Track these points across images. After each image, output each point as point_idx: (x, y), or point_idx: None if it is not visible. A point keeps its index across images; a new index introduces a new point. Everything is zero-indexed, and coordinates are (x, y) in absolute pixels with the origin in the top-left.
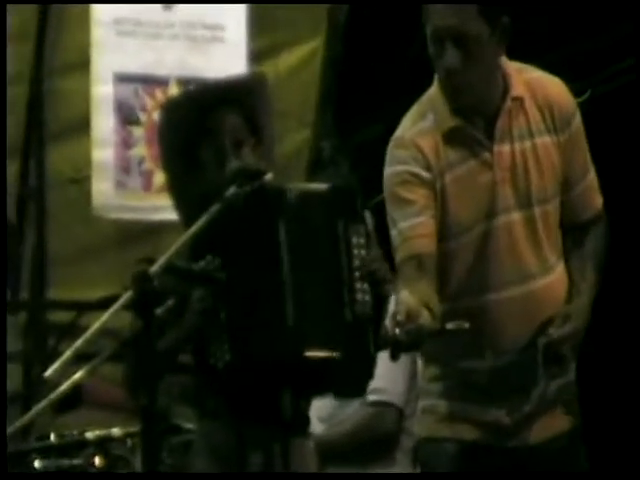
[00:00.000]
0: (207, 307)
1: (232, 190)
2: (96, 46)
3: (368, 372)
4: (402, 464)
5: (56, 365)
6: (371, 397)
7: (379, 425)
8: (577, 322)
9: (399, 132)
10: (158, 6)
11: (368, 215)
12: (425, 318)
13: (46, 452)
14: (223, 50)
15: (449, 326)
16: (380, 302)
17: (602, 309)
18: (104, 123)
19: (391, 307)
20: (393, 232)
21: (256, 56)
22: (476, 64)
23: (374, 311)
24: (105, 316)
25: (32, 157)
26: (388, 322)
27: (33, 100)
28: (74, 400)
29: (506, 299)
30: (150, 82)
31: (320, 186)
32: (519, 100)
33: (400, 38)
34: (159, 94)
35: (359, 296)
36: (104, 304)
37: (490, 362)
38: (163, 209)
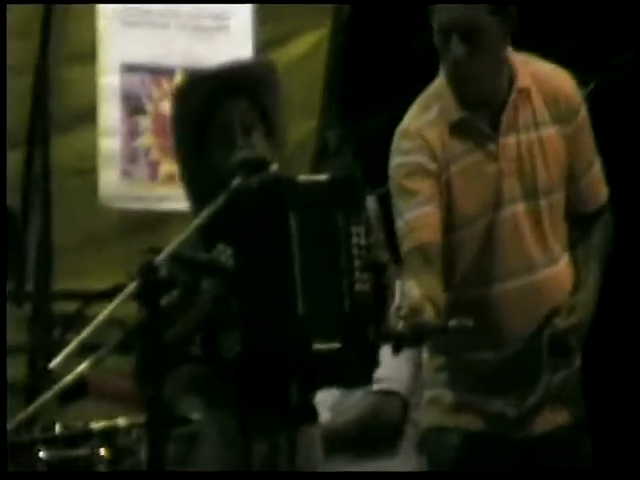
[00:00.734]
0: (218, 296)
1: (238, 180)
2: (102, 36)
3: (368, 362)
4: (407, 453)
5: (61, 356)
6: (376, 386)
7: (384, 413)
8: (582, 313)
9: (405, 123)
10: None
11: (372, 200)
12: (429, 313)
13: (51, 443)
14: (229, 40)
15: (452, 323)
16: (381, 290)
17: (607, 301)
18: (110, 113)
19: (396, 298)
20: (399, 223)
21: (262, 46)
22: (482, 55)
23: (374, 300)
24: (111, 306)
25: (37, 146)
26: (392, 316)
27: (38, 89)
28: (79, 391)
29: (511, 290)
30: (156, 72)
31: (320, 177)
32: (525, 91)
33: (405, 28)
34: (165, 84)
35: (358, 286)
36: (110, 294)
37: (495, 353)
38: (169, 199)
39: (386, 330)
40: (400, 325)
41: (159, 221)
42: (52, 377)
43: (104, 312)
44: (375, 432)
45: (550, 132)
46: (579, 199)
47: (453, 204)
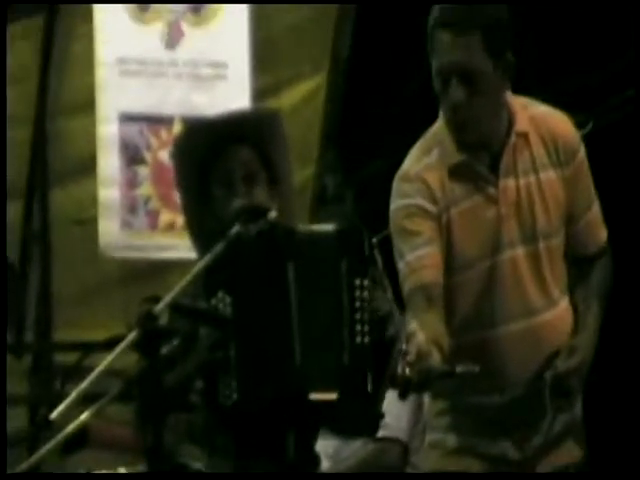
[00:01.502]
0: (215, 343)
1: (236, 228)
2: (100, 86)
3: (368, 413)
4: None
5: (62, 406)
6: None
7: (384, 461)
8: (583, 355)
9: (405, 167)
10: (161, 45)
11: (378, 256)
12: (435, 358)
13: None
14: (226, 88)
15: (459, 369)
16: (382, 343)
17: (607, 341)
18: (110, 163)
19: (401, 343)
20: (400, 265)
21: (259, 94)
22: (481, 100)
23: (374, 353)
24: (110, 357)
25: (36, 198)
26: (398, 361)
27: (37, 141)
28: (81, 441)
29: (511, 333)
30: (155, 121)
31: (326, 227)
32: (524, 135)
33: (402, 75)
34: (164, 133)
35: (358, 339)
36: (109, 344)
37: (496, 396)
38: (169, 248)
39: (393, 376)
40: (407, 371)
41: (159, 270)
42: (53, 428)
43: (104, 362)
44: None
45: (549, 175)
46: (578, 241)
47: (453, 247)
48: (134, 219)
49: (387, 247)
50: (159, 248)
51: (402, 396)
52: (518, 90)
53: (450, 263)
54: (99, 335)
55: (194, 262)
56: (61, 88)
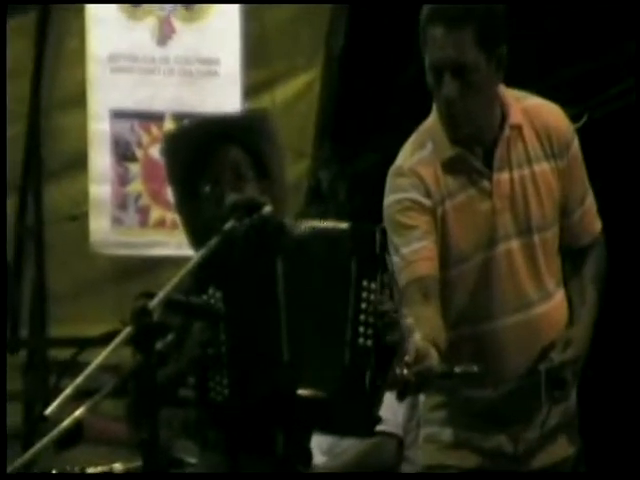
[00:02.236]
0: (207, 339)
1: (230, 223)
2: (91, 83)
3: (366, 413)
4: None
5: (57, 402)
6: None
7: (380, 455)
8: (578, 347)
9: (399, 161)
10: (152, 41)
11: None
12: (433, 357)
13: None
14: (218, 84)
15: (457, 370)
16: (384, 347)
17: (602, 333)
18: (100, 160)
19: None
20: (395, 259)
21: (252, 89)
22: (474, 94)
23: (375, 355)
24: (105, 352)
25: (30, 194)
26: (396, 363)
27: (31, 137)
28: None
29: (506, 327)
30: (146, 118)
31: (341, 225)
32: (517, 128)
33: (395, 69)
34: (155, 130)
35: (361, 340)
36: (104, 340)
37: (492, 389)
38: (159, 244)
39: (391, 378)
40: (405, 372)
41: (152, 266)
42: (48, 423)
43: (99, 358)
44: (371, 474)
45: (543, 168)
46: (572, 232)
47: (448, 240)
48: (125, 216)
49: None
50: (149, 245)
51: (400, 397)
52: (512, 83)
53: (445, 257)
54: (93, 331)
55: (186, 258)
56: (55, 84)
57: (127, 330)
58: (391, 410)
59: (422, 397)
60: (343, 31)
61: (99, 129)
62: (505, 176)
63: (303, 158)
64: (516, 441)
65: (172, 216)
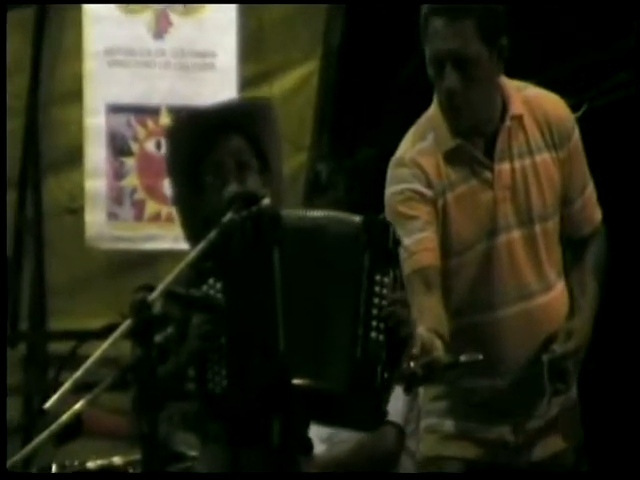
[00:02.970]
0: (207, 331)
1: (229, 216)
2: (88, 77)
3: (375, 408)
4: None
5: (56, 396)
6: None
7: (380, 444)
8: (580, 338)
9: (400, 152)
10: (149, 35)
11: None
12: (438, 349)
13: None
14: (214, 77)
15: (463, 359)
16: (396, 343)
17: (603, 323)
18: (96, 154)
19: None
20: None
21: (249, 82)
22: (476, 85)
23: (387, 351)
24: (104, 345)
25: (29, 188)
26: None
27: (29, 131)
28: (75, 430)
29: (507, 317)
30: (142, 112)
31: (353, 217)
32: (518, 118)
33: (394, 61)
34: (151, 124)
35: (373, 334)
36: (104, 333)
37: (493, 380)
38: (155, 239)
39: (398, 370)
40: (412, 365)
41: (149, 260)
42: (47, 417)
43: (98, 351)
44: (371, 463)
45: (544, 158)
46: (573, 222)
47: (449, 231)
48: (120, 210)
49: None
50: (145, 239)
51: (407, 390)
52: (512, 73)
53: (446, 247)
54: (93, 324)
55: (182, 252)
56: (52, 79)
57: (126, 323)
58: (392, 399)
59: (422, 387)
60: (341, 25)
61: (95, 123)
62: (506, 166)
63: (301, 151)
64: (517, 431)
65: (167, 210)
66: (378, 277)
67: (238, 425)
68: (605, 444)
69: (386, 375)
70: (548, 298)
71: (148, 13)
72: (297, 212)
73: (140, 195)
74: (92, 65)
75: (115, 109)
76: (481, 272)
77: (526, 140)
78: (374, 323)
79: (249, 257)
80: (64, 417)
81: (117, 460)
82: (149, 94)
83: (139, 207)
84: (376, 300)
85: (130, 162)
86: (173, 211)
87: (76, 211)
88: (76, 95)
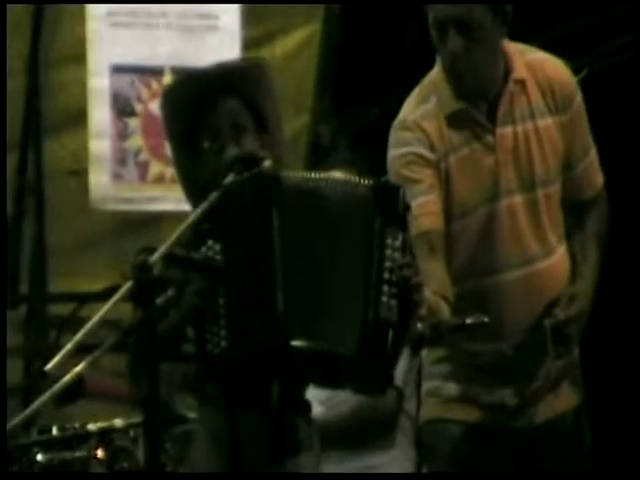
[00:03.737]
0: (202, 288)
1: (230, 178)
2: (91, 38)
3: (384, 373)
4: (402, 446)
5: (57, 358)
6: None
7: (380, 405)
8: (582, 303)
9: (402, 114)
10: None
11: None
12: (444, 311)
13: (48, 445)
14: (217, 39)
15: (469, 320)
16: (406, 308)
17: (605, 289)
18: (100, 115)
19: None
20: None
21: (252, 43)
22: (479, 49)
23: (399, 314)
24: (105, 307)
25: (30, 149)
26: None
27: (30, 92)
28: (76, 392)
29: (509, 281)
30: (145, 72)
31: (359, 180)
32: (521, 82)
33: (398, 20)
34: (154, 84)
35: (384, 298)
36: (104, 295)
37: (494, 344)
38: (159, 200)
39: (409, 333)
40: (420, 326)
41: (152, 221)
42: (48, 379)
43: (99, 313)
44: (370, 424)
45: (546, 122)
46: (575, 186)
47: (451, 194)
48: (124, 171)
49: None
50: (149, 200)
51: (415, 351)
52: (514, 36)
53: (448, 211)
54: (93, 286)
55: (185, 213)
56: (54, 40)
57: (127, 285)
58: None
59: (424, 350)
60: None
61: (99, 84)
62: (508, 130)
63: (303, 112)
64: (519, 395)
65: (171, 171)
66: (389, 241)
67: (236, 386)
68: (606, 406)
69: (396, 339)
70: (550, 263)
71: None
72: (298, 174)
73: (144, 156)
74: (95, 26)
75: (119, 70)
76: (483, 236)
77: (528, 104)
78: (386, 287)
79: (248, 218)
80: (65, 379)
81: (118, 422)
82: (153, 55)
83: (143, 168)
84: (388, 264)
85: (134, 123)
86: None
87: (78, 173)
88: (78, 57)
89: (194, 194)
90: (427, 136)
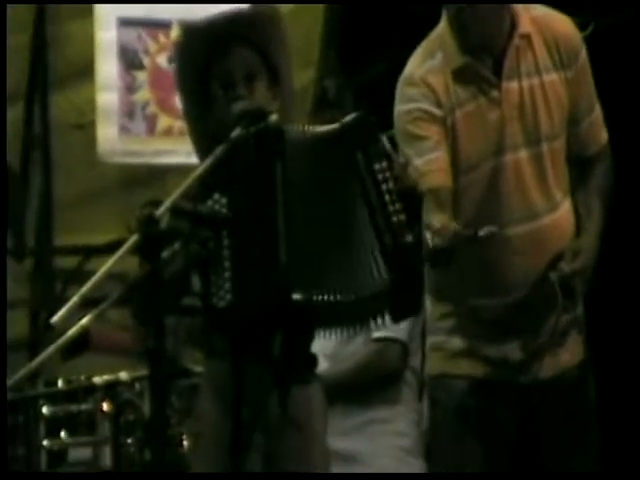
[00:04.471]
0: (206, 237)
1: (237, 131)
2: None
3: (418, 290)
4: (407, 401)
5: (63, 311)
6: (375, 333)
7: (384, 361)
8: (587, 257)
9: (408, 70)
10: None
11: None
12: (457, 227)
13: (54, 398)
14: None
15: (481, 232)
16: (415, 214)
17: (608, 244)
18: (108, 68)
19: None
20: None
21: None
22: (484, 2)
23: (410, 227)
24: (111, 260)
25: (37, 103)
26: (425, 234)
27: (37, 45)
28: (81, 345)
29: (514, 236)
30: (153, 25)
31: (332, 126)
32: (526, 37)
33: None
34: (162, 37)
35: (394, 218)
36: (110, 248)
37: (499, 298)
38: (166, 153)
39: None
40: (435, 239)
41: (158, 175)
42: (54, 332)
43: (105, 266)
44: (375, 379)
45: (552, 77)
46: (579, 142)
47: (457, 149)
48: (132, 124)
49: None
50: (157, 153)
51: (433, 264)
52: None
53: (455, 166)
54: (99, 239)
55: (193, 167)
56: None
57: (133, 238)
58: None
59: (429, 305)
60: None
61: (106, 37)
62: (514, 85)
63: (309, 66)
64: (524, 349)
65: (179, 124)
66: (377, 166)
67: (243, 339)
68: (611, 360)
69: (418, 250)
70: (554, 218)
71: None
72: (301, 127)
73: (152, 109)
74: None
75: (126, 23)
76: (488, 191)
77: (534, 59)
78: (390, 208)
79: (252, 172)
80: (71, 332)
81: (124, 375)
82: (160, 8)
83: (151, 121)
84: (384, 187)
85: (142, 76)
86: (185, 125)
87: (84, 126)
88: (85, 10)
89: (203, 146)
90: (433, 92)
